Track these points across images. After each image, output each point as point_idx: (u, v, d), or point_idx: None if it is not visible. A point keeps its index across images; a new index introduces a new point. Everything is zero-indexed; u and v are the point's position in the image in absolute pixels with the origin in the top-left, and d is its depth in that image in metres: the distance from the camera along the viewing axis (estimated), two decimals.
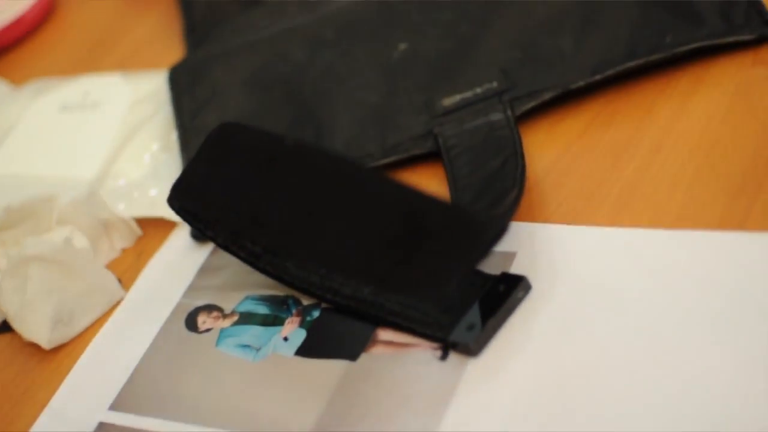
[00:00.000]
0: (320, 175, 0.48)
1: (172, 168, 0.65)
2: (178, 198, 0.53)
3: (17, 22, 0.81)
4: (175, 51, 0.75)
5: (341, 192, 0.47)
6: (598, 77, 0.59)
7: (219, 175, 0.51)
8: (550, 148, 0.59)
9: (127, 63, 0.76)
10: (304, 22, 0.67)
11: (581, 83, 0.59)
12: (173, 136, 0.66)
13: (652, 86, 0.60)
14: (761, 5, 0.61)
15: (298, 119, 0.63)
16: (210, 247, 0.60)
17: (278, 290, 0.56)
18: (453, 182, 0.57)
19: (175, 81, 0.67)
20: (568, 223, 0.54)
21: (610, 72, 0.59)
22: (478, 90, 0.61)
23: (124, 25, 0.80)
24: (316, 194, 0.48)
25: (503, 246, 0.54)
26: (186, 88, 0.66)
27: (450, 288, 0.46)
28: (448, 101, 0.61)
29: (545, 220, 0.55)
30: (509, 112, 0.59)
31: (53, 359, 0.58)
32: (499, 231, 0.48)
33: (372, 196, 0.47)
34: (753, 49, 0.60)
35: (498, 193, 0.53)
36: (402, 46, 0.64)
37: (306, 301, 0.55)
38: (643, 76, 0.60)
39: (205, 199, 0.52)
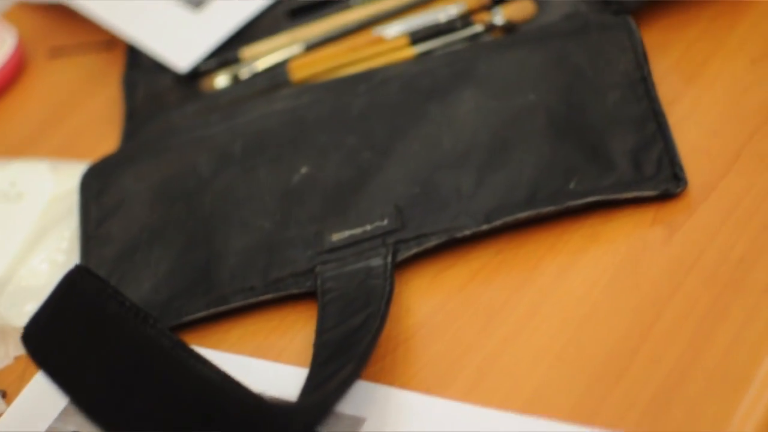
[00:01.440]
0: (130, 350, 0.47)
1: None
2: (29, 340, 0.53)
3: None
4: (117, 135, 0.74)
5: (146, 371, 0.46)
6: (485, 227, 0.56)
7: (58, 326, 0.50)
8: (432, 298, 0.56)
9: (69, 146, 0.76)
10: (219, 131, 0.66)
11: (467, 233, 0.57)
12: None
13: (545, 237, 0.57)
14: (675, 154, 0.57)
15: (193, 240, 0.62)
16: None
17: None
18: (318, 334, 0.55)
19: (86, 186, 0.66)
20: (424, 392, 0.52)
21: (498, 223, 0.56)
22: (368, 227, 0.58)
23: (75, 103, 0.80)
24: (124, 367, 0.46)
25: (355, 409, 0.52)
26: (94, 195, 0.65)
27: None
28: (337, 237, 0.59)
29: (404, 384, 0.53)
30: (389, 259, 0.56)
31: None
32: (310, 423, 0.46)
33: (175, 379, 0.46)
34: (657, 205, 0.56)
35: (348, 358, 0.51)
36: (303, 170, 0.62)
37: None
38: (540, 224, 0.57)
39: (45, 349, 0.51)
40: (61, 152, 0.75)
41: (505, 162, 0.59)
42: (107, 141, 0.74)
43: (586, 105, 0.60)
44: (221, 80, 0.72)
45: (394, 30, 0.70)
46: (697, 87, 0.62)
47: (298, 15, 0.75)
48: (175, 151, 0.66)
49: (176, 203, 0.63)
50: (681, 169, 0.56)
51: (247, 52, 0.73)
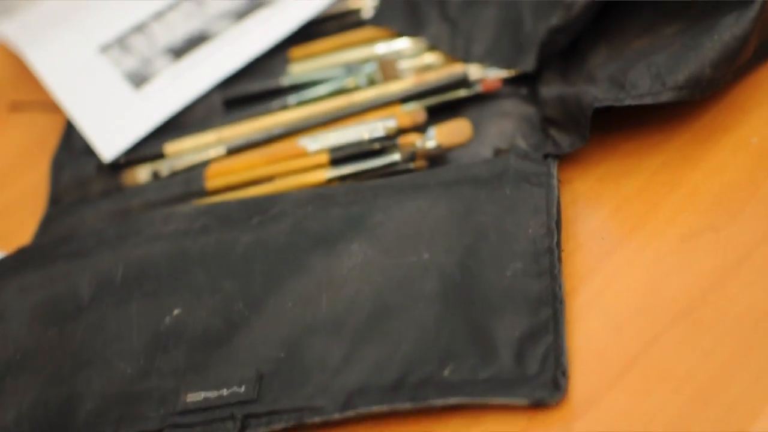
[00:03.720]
0: None
1: None
2: None
3: None
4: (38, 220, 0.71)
5: None
6: (336, 416, 0.51)
7: None
8: None
9: None
10: (107, 251, 0.61)
11: (317, 420, 0.51)
12: None
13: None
14: (562, 353, 0.50)
15: (59, 373, 0.58)
16: None
17: None
18: None
19: None
20: None
21: (351, 413, 0.51)
22: (224, 392, 0.54)
23: (17, 171, 0.76)
24: None
25: None
26: None
27: None
28: (192, 398, 0.54)
29: None
30: None
31: None
32: None
33: None
34: (530, 412, 0.50)
35: None
36: (176, 312, 0.57)
37: None
38: (400, 416, 0.51)
39: None
40: None
41: (382, 332, 0.53)
42: (27, 227, 0.70)
43: (483, 274, 0.54)
44: (143, 174, 0.68)
45: (318, 143, 0.64)
46: (615, 262, 0.54)
47: (233, 106, 0.70)
48: (62, 266, 0.62)
49: (51, 328, 0.60)
50: (564, 374, 0.50)
51: (170, 147, 0.68)
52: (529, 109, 0.63)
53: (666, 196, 0.56)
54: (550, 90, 0.61)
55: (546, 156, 0.58)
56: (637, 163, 0.58)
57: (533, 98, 0.63)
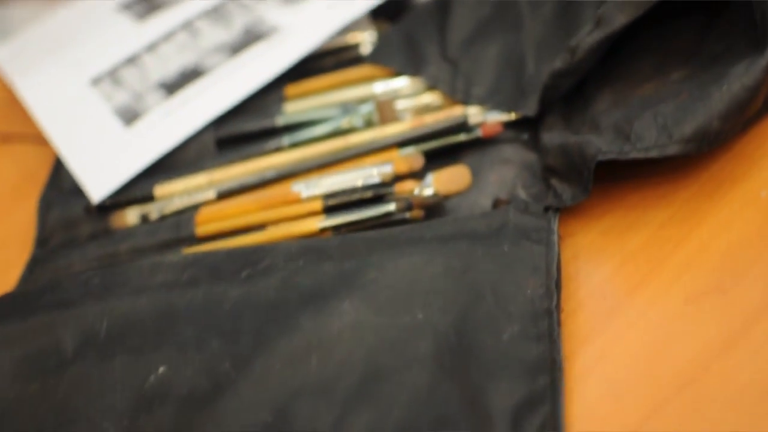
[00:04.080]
0: None
1: None
2: None
3: None
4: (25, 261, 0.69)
5: None
6: None
7: None
8: None
9: None
10: (92, 301, 0.59)
11: None
12: None
13: None
14: (559, 424, 0.48)
15: None
16: None
17: None
18: None
19: None
20: None
21: None
22: None
23: (4, 207, 0.74)
24: None
25: None
26: None
27: None
28: None
29: None
30: None
31: None
32: None
33: None
34: None
35: None
36: (161, 370, 0.55)
37: None
38: None
39: None
40: None
41: (375, 396, 0.51)
42: (15, 265, 0.68)
43: (479, 336, 0.52)
44: (132, 216, 0.66)
45: (311, 189, 0.62)
46: (617, 324, 0.52)
47: (226, 145, 0.68)
48: (45, 317, 0.60)
49: (33, 383, 0.57)
50: None
51: (160, 189, 0.66)
52: (530, 156, 0.61)
53: (671, 253, 0.54)
54: (552, 137, 0.59)
55: (547, 209, 0.56)
56: (641, 216, 0.56)
57: (535, 143, 0.61)
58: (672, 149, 0.54)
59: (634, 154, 0.54)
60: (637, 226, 0.56)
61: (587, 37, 0.58)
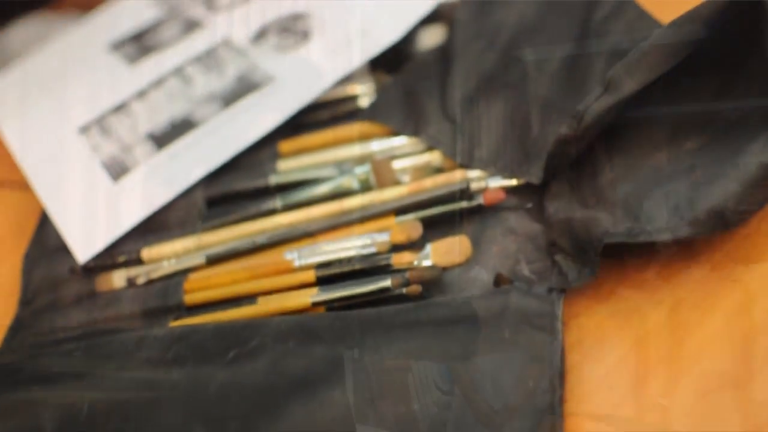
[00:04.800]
0: None
1: None
2: None
3: None
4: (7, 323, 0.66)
5: None
6: None
7: None
8: None
9: None
10: (72, 381, 0.56)
11: None
12: None
13: None
14: None
15: None
16: None
17: None
18: None
19: None
20: None
21: None
22: None
23: None
24: None
25: None
26: None
27: None
28: None
29: None
30: None
31: None
32: None
33: None
34: None
35: None
36: None
37: None
38: None
39: None
40: None
41: None
42: None
43: (477, 430, 0.49)
44: (118, 279, 0.63)
45: (304, 257, 0.59)
46: (623, 422, 0.49)
47: (217, 204, 0.65)
48: (25, 394, 0.57)
49: None
50: None
51: (147, 253, 0.63)
52: (534, 227, 0.57)
53: (683, 341, 0.51)
54: (558, 208, 0.56)
55: (551, 290, 0.53)
56: (651, 297, 0.53)
57: (539, 212, 0.58)
58: (684, 231, 0.51)
59: (644, 238, 0.51)
60: (646, 308, 0.53)
61: (595, 103, 0.55)
